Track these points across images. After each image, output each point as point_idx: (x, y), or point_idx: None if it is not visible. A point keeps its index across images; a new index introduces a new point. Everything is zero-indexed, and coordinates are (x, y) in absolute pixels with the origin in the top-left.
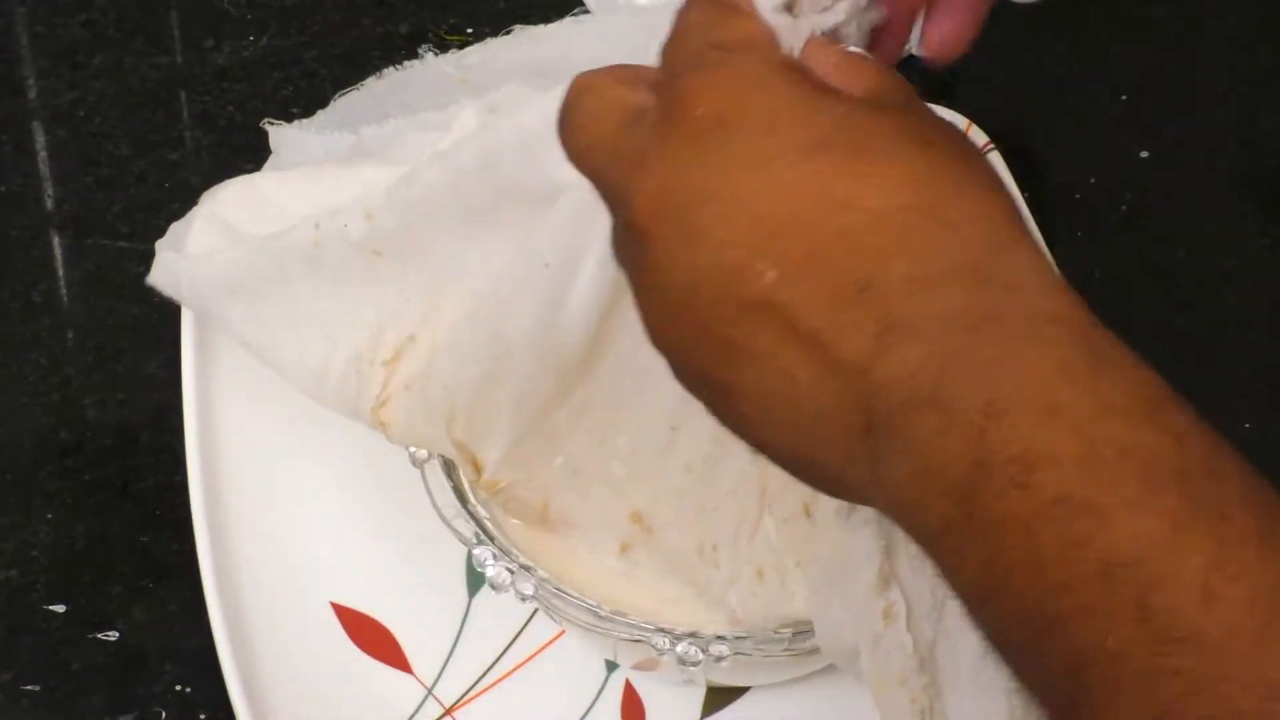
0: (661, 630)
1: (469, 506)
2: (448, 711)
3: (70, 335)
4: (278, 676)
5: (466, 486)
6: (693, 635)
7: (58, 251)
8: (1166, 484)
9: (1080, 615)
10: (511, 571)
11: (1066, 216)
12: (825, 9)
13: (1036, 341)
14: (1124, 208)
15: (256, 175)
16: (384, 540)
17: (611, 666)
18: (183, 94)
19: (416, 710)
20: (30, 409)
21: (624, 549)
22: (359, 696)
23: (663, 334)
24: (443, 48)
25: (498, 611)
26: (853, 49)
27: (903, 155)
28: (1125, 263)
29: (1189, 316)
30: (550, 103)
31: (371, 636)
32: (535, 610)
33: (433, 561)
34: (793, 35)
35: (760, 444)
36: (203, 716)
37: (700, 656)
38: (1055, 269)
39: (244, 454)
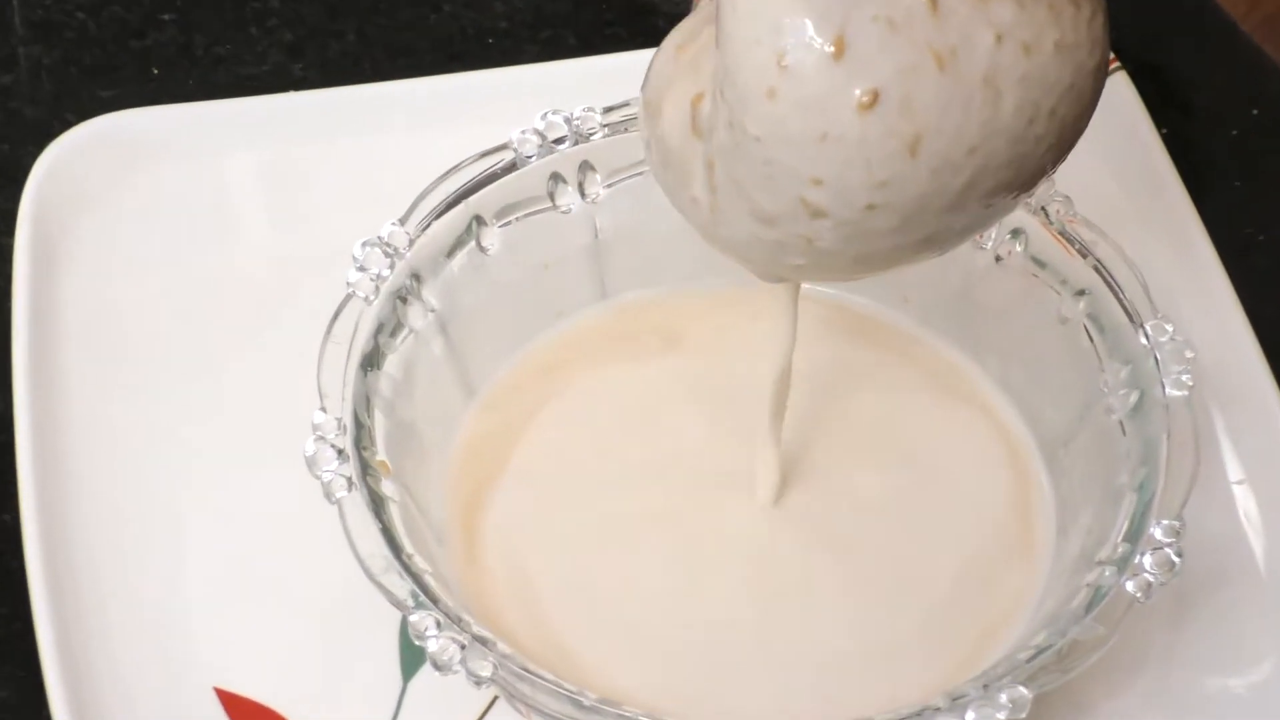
0: None
1: (404, 557)
2: None
3: None
4: None
5: (400, 529)
6: None
7: None
8: None
9: None
10: (462, 646)
11: (1220, 160)
12: None
13: None
14: None
15: None
16: (286, 604)
17: None
18: None
19: None
20: None
21: None
22: None
23: None
24: None
25: (442, 699)
26: None
27: None
28: None
29: None
30: None
31: None
32: (494, 699)
33: (354, 632)
34: None
35: None
36: None
37: None
38: None
39: (96, 494)
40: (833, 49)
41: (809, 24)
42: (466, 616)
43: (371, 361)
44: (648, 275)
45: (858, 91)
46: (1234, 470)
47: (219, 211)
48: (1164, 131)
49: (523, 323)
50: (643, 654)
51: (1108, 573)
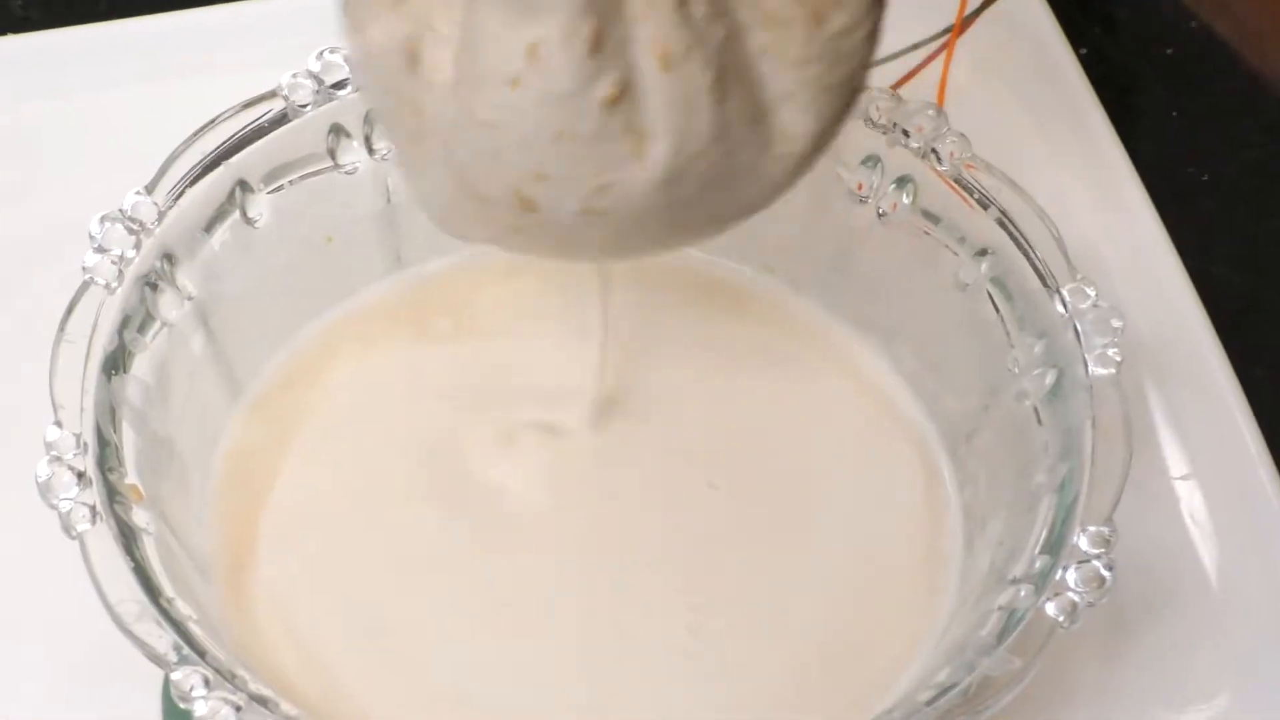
0: None
1: (163, 601)
2: None
3: None
4: None
5: (157, 567)
6: None
7: None
8: None
9: None
10: (237, 707)
11: (1152, 85)
12: None
13: None
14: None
15: None
16: (21, 663)
17: None
18: None
19: None
20: None
21: None
22: None
23: None
24: None
25: None
26: None
27: None
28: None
29: None
30: None
31: None
32: None
33: (106, 694)
34: None
35: None
36: None
37: None
38: None
39: None
40: (588, 42)
41: (573, 8)
42: (242, 671)
43: (116, 363)
44: (449, 241)
45: (606, 85)
46: (1177, 464)
47: None
48: (1082, 52)
49: (299, 308)
50: (448, 706)
51: (1023, 593)
